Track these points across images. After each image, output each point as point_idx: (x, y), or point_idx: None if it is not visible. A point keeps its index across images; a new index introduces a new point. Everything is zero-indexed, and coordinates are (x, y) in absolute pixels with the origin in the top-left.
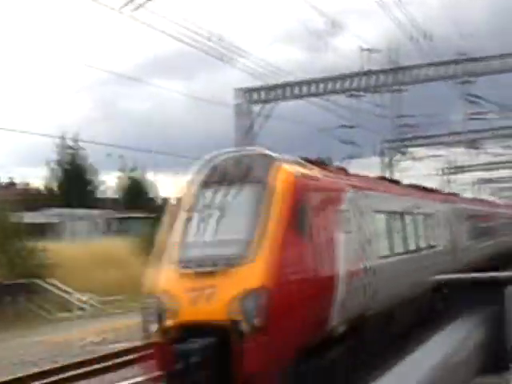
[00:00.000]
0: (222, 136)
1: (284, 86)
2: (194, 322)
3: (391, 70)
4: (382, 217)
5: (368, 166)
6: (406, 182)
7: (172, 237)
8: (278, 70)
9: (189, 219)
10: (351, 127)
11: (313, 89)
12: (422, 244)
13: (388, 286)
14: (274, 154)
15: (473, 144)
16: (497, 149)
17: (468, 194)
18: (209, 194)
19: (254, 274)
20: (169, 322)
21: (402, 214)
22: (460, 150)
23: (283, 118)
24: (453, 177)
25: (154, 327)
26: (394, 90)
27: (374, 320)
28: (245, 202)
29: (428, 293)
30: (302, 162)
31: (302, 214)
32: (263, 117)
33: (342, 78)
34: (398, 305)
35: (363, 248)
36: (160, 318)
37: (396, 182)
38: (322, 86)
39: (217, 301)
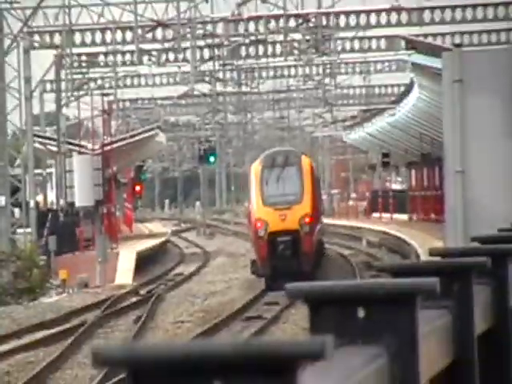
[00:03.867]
0: None
1: None
2: (280, 230)
3: None
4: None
5: None
6: None
7: (259, 192)
8: None
9: (267, 183)
10: None
11: None
12: None
13: None
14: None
15: None
16: None
17: None
18: (273, 170)
19: (303, 208)
20: (269, 230)
21: None
22: None
23: None
24: None
25: (262, 232)
26: None
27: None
28: (294, 175)
29: None
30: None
31: (315, 181)
32: None
33: None
34: None
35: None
36: (265, 228)
37: None
38: None
39: (289, 220)
